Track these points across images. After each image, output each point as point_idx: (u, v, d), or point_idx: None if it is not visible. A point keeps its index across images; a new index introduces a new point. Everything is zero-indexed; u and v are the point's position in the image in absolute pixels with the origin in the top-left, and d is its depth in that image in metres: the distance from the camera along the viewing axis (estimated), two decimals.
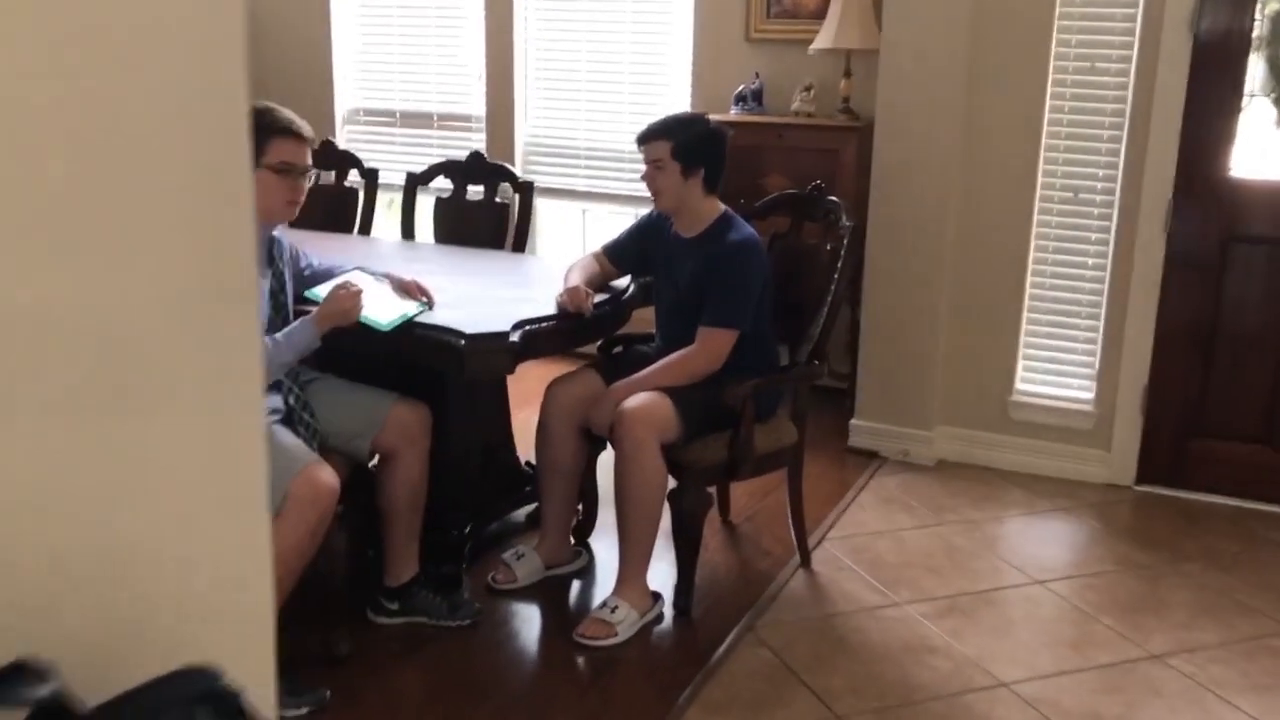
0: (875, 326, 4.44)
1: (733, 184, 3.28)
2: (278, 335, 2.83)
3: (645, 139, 3.22)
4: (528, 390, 4.06)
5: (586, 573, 3.48)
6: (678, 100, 5.25)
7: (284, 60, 6.05)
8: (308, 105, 5.99)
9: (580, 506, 3.55)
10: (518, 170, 5.47)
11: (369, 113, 5.99)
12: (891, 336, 4.40)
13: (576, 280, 3.28)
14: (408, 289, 3.14)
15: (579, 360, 3.68)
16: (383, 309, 3.02)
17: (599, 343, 3.54)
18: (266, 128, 2.81)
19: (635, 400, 3.07)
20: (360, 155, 5.91)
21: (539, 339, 3.07)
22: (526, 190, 4.18)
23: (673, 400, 3.09)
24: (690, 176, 3.18)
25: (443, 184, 4.32)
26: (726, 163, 3.27)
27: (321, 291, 2.97)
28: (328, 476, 2.69)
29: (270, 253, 2.93)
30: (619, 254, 3.45)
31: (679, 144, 3.17)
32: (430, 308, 3.11)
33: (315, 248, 3.91)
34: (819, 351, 3.37)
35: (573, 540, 3.52)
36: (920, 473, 4.34)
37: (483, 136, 5.67)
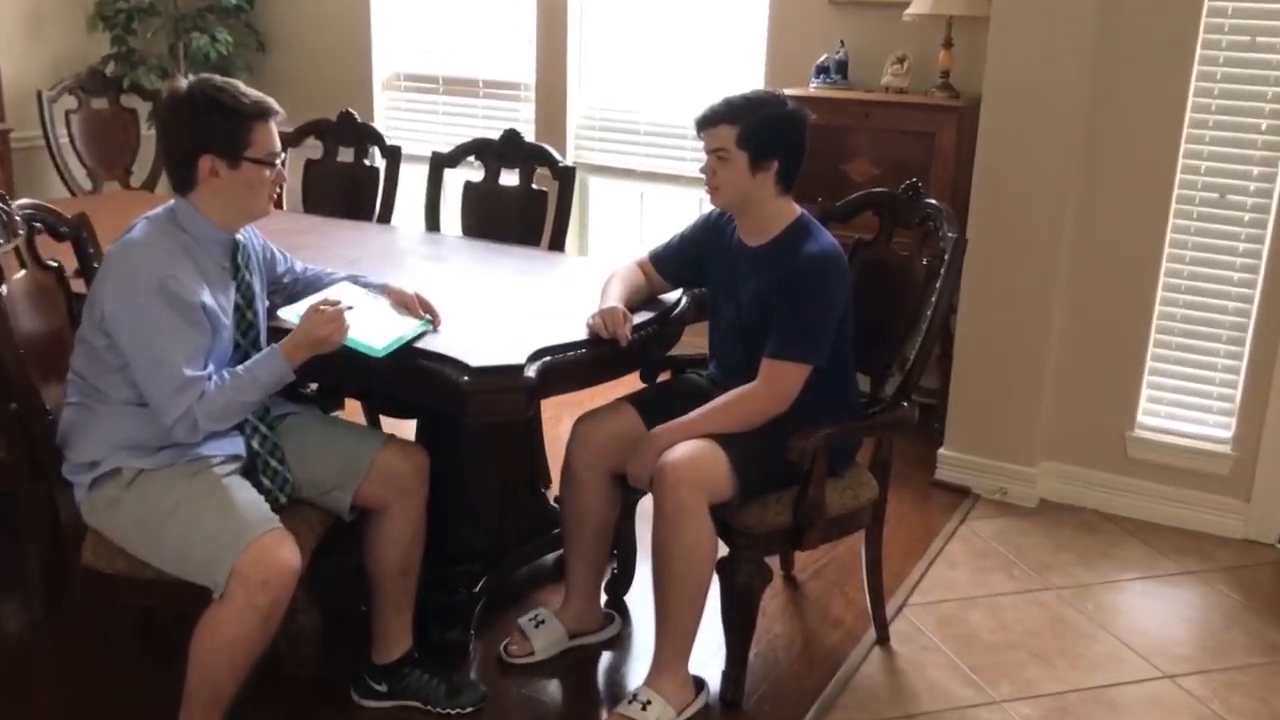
0: (972, 342, 3.80)
1: (808, 170, 2.66)
2: (239, 369, 2.29)
3: (706, 122, 2.62)
4: (563, 407, 3.50)
5: (619, 642, 2.92)
6: (751, 71, 4.62)
7: (317, 18, 5.52)
8: (342, 69, 5.49)
9: (615, 555, 3.00)
10: (569, 146, 4.92)
11: (410, 78, 5.43)
12: (991, 355, 3.76)
13: (615, 297, 2.69)
14: (407, 304, 2.58)
15: (617, 386, 3.09)
16: (375, 330, 2.46)
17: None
18: (242, 114, 2.26)
19: (680, 451, 2.48)
20: (399, 125, 5.43)
21: (562, 372, 2.49)
22: (567, 177, 3.59)
23: (726, 451, 2.50)
24: (760, 170, 2.58)
25: (474, 167, 3.75)
26: (806, 154, 2.66)
27: (298, 311, 2.42)
28: (286, 553, 2.15)
29: (235, 260, 2.39)
30: (669, 262, 2.86)
31: (747, 129, 2.56)
32: (434, 328, 2.56)
33: (323, 238, 3.38)
34: (909, 387, 2.75)
35: (604, 599, 2.96)
36: (1020, 516, 3.70)
37: (532, 107, 5.08)
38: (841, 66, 4.25)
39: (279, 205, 3.39)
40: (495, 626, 2.89)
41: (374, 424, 3.55)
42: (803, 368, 2.55)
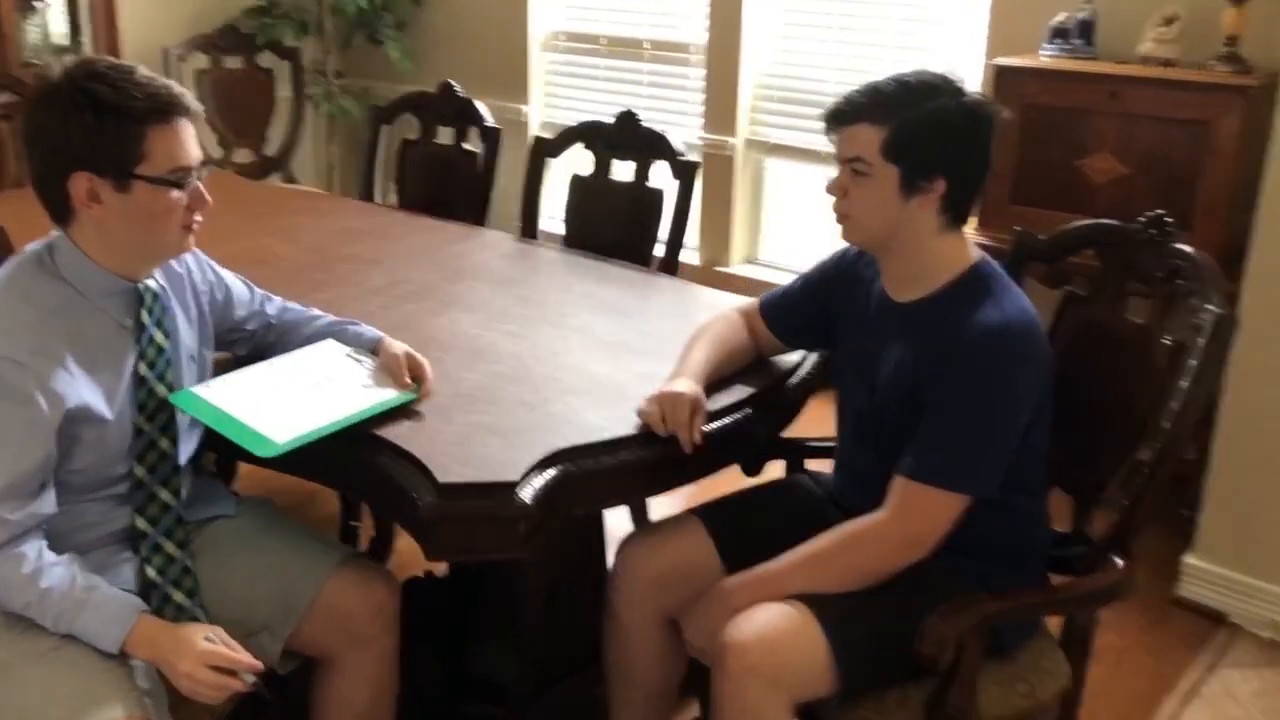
0: (1242, 422, 2.74)
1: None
2: (77, 581, 1.58)
3: (838, 118, 1.75)
4: None
5: None
6: (968, 33, 3.62)
7: None
8: (499, 26, 4.80)
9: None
10: (740, 120, 4.07)
11: (570, 37, 4.69)
12: (1266, 447, 2.70)
13: (693, 370, 1.88)
14: (391, 369, 1.86)
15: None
16: (306, 409, 1.75)
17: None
18: (128, 113, 1.58)
19: (757, 624, 1.65)
20: (556, 91, 4.72)
21: (590, 486, 1.71)
22: (687, 175, 2.77)
23: (825, 626, 1.65)
24: (916, 194, 1.70)
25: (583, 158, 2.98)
26: (988, 171, 1.75)
27: (212, 397, 1.73)
28: None
29: (139, 315, 1.72)
30: (784, 316, 2.01)
31: (899, 133, 1.68)
32: (419, 397, 1.83)
33: (377, 247, 2.70)
34: (1131, 530, 1.81)
35: None
36: None
37: (701, 71, 4.25)
38: (1085, 29, 3.20)
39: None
40: None
41: (351, 517, 2.78)
42: (955, 499, 1.67)
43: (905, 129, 1.69)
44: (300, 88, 4.83)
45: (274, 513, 1.90)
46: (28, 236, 1.65)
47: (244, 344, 1.96)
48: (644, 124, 2.82)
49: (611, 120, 2.87)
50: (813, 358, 2.12)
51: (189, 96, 1.63)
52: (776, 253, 4.36)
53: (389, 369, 1.85)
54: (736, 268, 4.30)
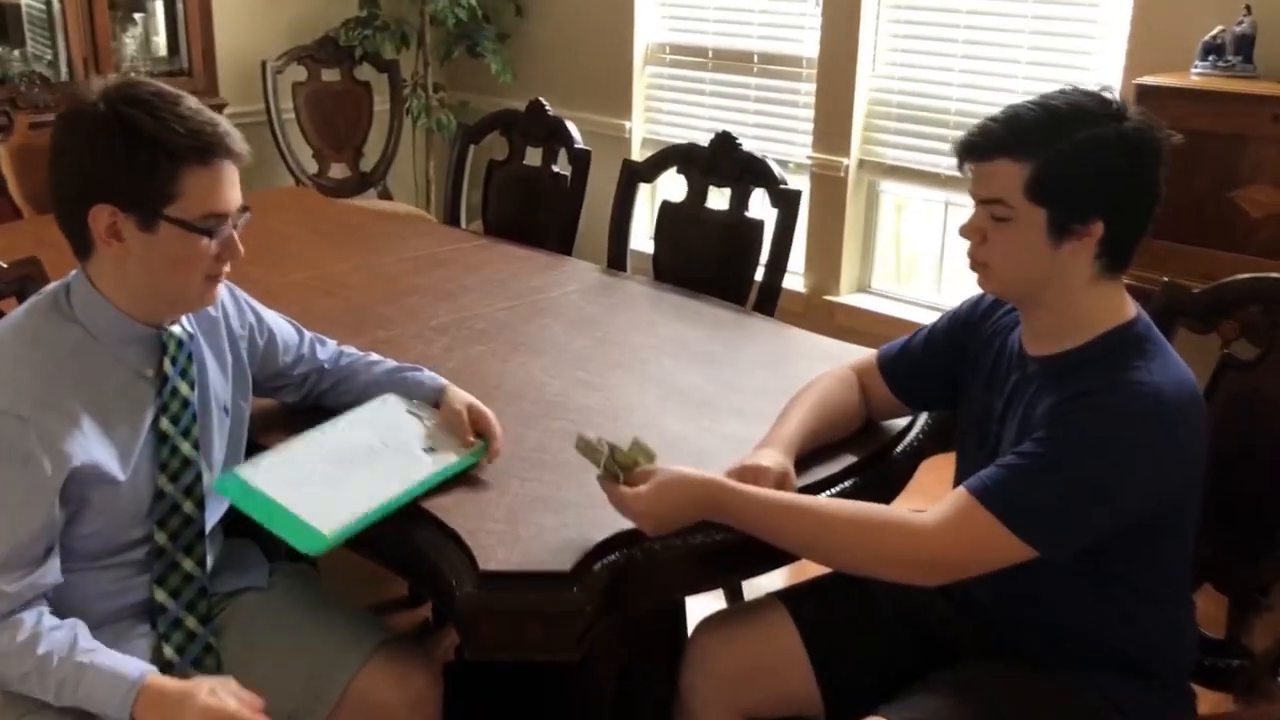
0: None
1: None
2: (80, 650, 1.40)
3: (974, 150, 1.50)
4: None
5: None
6: (1105, 48, 3.30)
7: None
8: (601, 39, 4.62)
9: None
10: (854, 138, 3.80)
11: (676, 49, 4.47)
12: None
13: (785, 441, 1.64)
14: (454, 425, 1.66)
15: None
16: (382, 473, 1.57)
17: None
18: (166, 146, 1.41)
19: None
20: (660, 106, 4.50)
21: (657, 574, 1.49)
22: (789, 205, 2.52)
23: None
24: (1068, 239, 1.45)
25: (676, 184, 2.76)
26: (1155, 209, 1.48)
27: (262, 483, 1.56)
28: None
29: (161, 365, 1.55)
30: (909, 372, 1.76)
31: (1047, 168, 1.43)
32: (488, 458, 1.65)
33: (450, 277, 2.52)
34: None
35: None
36: None
37: (812, 86, 3.99)
38: (1244, 44, 2.86)
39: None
40: None
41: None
42: (1009, 540, 1.40)
43: (1053, 165, 1.43)
44: (398, 101, 4.71)
45: (310, 583, 1.72)
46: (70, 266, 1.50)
47: (291, 391, 1.79)
48: (743, 147, 2.58)
49: (707, 143, 2.63)
50: (923, 419, 1.87)
51: (236, 137, 1.46)
52: (889, 281, 4.07)
53: (451, 425, 1.66)
54: (846, 297, 4.03)
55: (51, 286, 1.54)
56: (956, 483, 1.68)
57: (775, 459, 1.59)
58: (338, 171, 4.65)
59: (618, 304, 2.44)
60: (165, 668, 1.50)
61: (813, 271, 4.09)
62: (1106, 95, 1.47)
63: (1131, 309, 1.51)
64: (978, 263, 1.53)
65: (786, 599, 1.70)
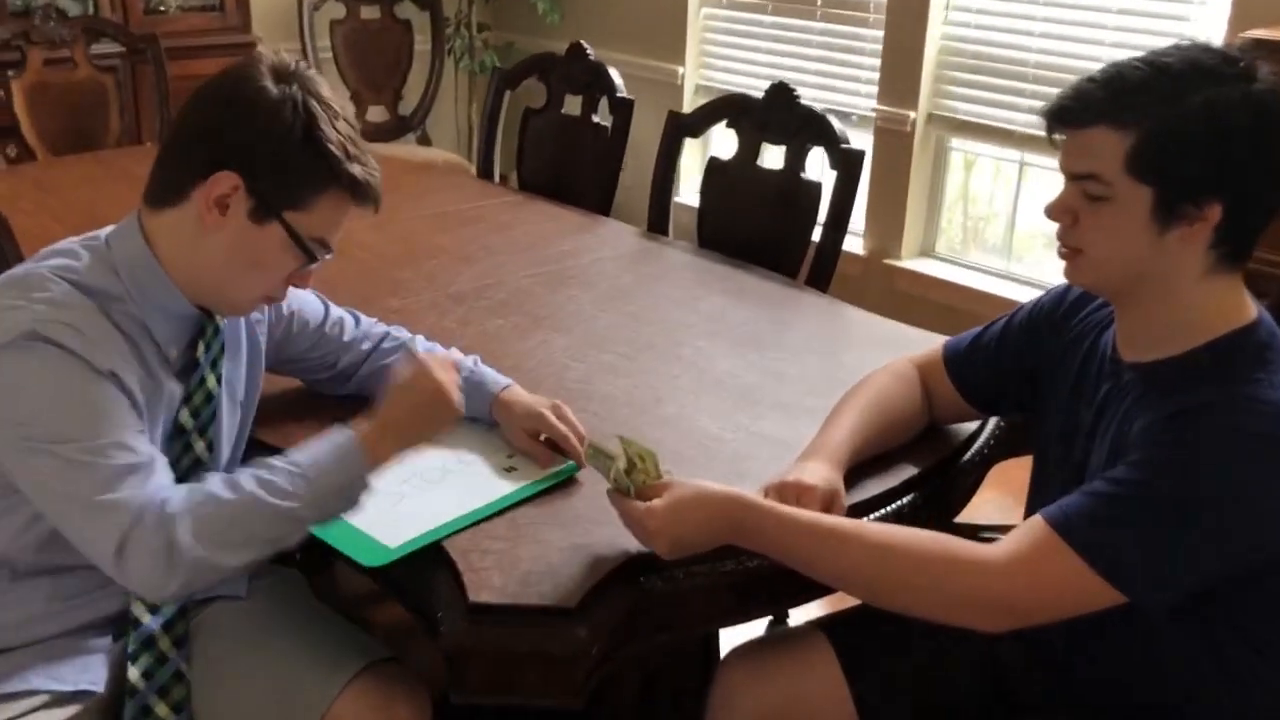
0: None
1: None
2: (270, 460, 1.27)
3: (1066, 116, 1.24)
4: None
5: None
6: (1209, 2, 2.99)
7: None
8: None
9: None
10: (923, 90, 3.51)
11: None
12: None
13: (832, 454, 1.41)
14: (522, 444, 1.50)
15: None
16: (457, 488, 1.41)
17: None
18: (332, 162, 1.28)
19: None
20: (717, 50, 4.21)
21: (676, 610, 1.28)
22: (850, 166, 2.26)
23: None
24: (1176, 223, 1.20)
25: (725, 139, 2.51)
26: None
27: None
28: None
29: (192, 348, 1.38)
30: (978, 371, 1.52)
31: (1154, 140, 1.18)
32: (569, 474, 1.47)
33: (477, 236, 2.30)
34: None
35: None
36: None
37: (879, 34, 3.70)
38: None
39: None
40: None
41: None
42: (1090, 580, 1.17)
43: (1162, 134, 1.18)
44: (439, 41, 4.48)
45: (296, 593, 1.52)
46: (108, 207, 1.32)
47: (307, 374, 1.62)
48: (801, 101, 2.32)
49: (761, 94, 2.38)
50: (993, 424, 1.63)
51: (378, 185, 1.33)
52: (956, 246, 3.79)
53: (522, 445, 1.48)
54: (908, 261, 3.76)
55: (91, 238, 1.34)
56: (1032, 502, 1.46)
57: (822, 474, 1.36)
58: (376, 115, 4.45)
59: (655, 274, 2.20)
60: (127, 693, 1.33)
61: (873, 233, 3.82)
62: (1230, 51, 1.22)
63: (1252, 310, 1.26)
64: (1068, 249, 1.29)
65: (828, 627, 1.48)
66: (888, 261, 3.77)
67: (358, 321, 1.63)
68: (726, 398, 1.68)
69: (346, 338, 1.60)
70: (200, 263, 1.31)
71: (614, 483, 1.28)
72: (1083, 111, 1.22)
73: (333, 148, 1.27)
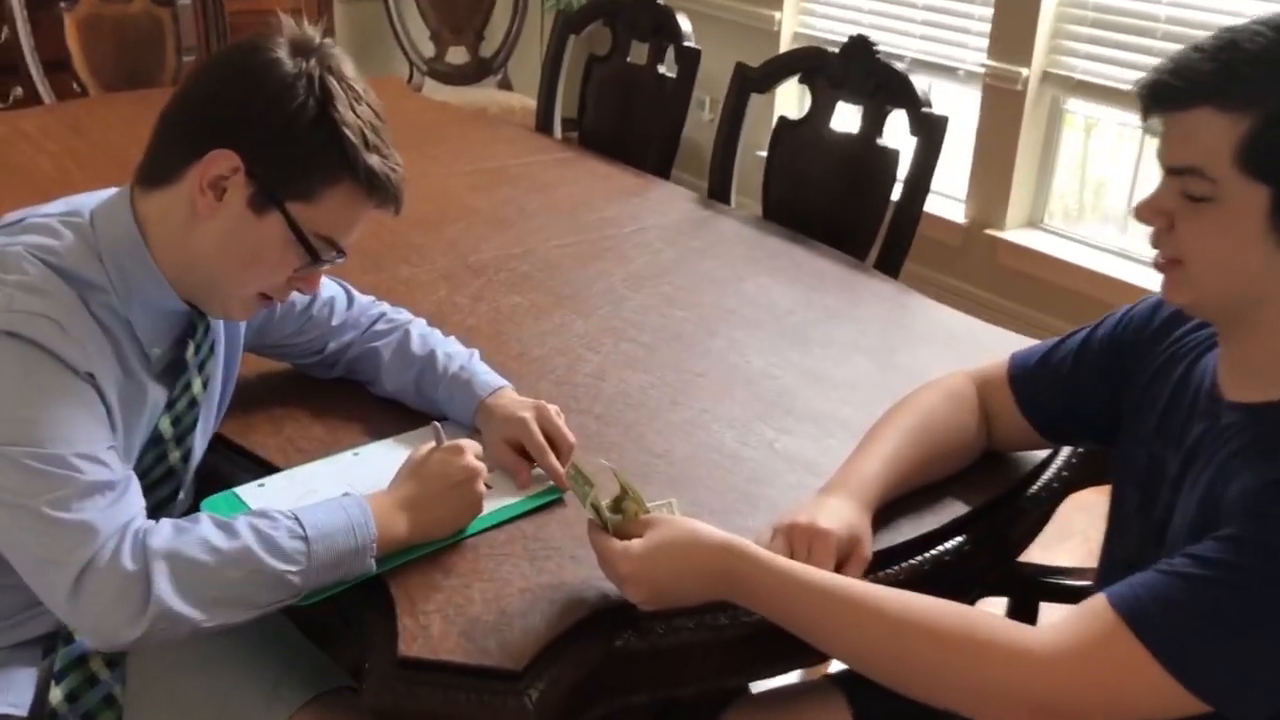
0: None
1: None
2: (270, 526, 1.07)
3: (1160, 95, 0.99)
4: None
5: None
6: None
7: None
8: None
9: None
10: (1037, 47, 3.18)
11: None
12: None
13: (857, 490, 1.18)
14: (504, 460, 1.27)
15: None
16: None
17: None
18: (345, 148, 1.10)
19: None
20: (813, 5, 3.89)
21: (655, 671, 1.08)
22: (932, 133, 1.98)
23: None
24: None
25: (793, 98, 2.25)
26: None
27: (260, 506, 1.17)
28: None
29: (180, 347, 1.21)
30: (1047, 392, 1.27)
31: (1270, 126, 0.92)
32: (553, 498, 1.26)
33: (520, 204, 2.09)
34: None
35: None
36: None
37: None
38: None
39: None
40: None
41: None
42: (1163, 678, 0.93)
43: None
44: None
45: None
46: (138, 154, 1.14)
47: (290, 358, 1.44)
48: (881, 57, 2.05)
49: (838, 49, 2.12)
50: (1064, 454, 1.38)
51: (400, 184, 1.15)
52: (1068, 219, 3.46)
53: (501, 458, 1.27)
54: (1012, 232, 3.44)
55: (70, 208, 1.16)
56: (1106, 554, 1.21)
57: (843, 516, 1.13)
58: (456, 56, 4.26)
59: (700, 248, 1.97)
60: (47, 717, 1.18)
61: (976, 200, 3.51)
62: None
63: None
64: (1167, 260, 1.03)
65: (845, 683, 1.26)
66: (989, 231, 3.45)
67: (351, 301, 1.44)
68: (753, 403, 1.45)
69: (336, 321, 1.41)
70: (191, 253, 1.13)
71: (589, 508, 1.08)
72: (1185, 90, 0.97)
73: (349, 132, 1.09)
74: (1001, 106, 3.37)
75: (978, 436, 1.30)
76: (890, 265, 1.98)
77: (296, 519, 1.07)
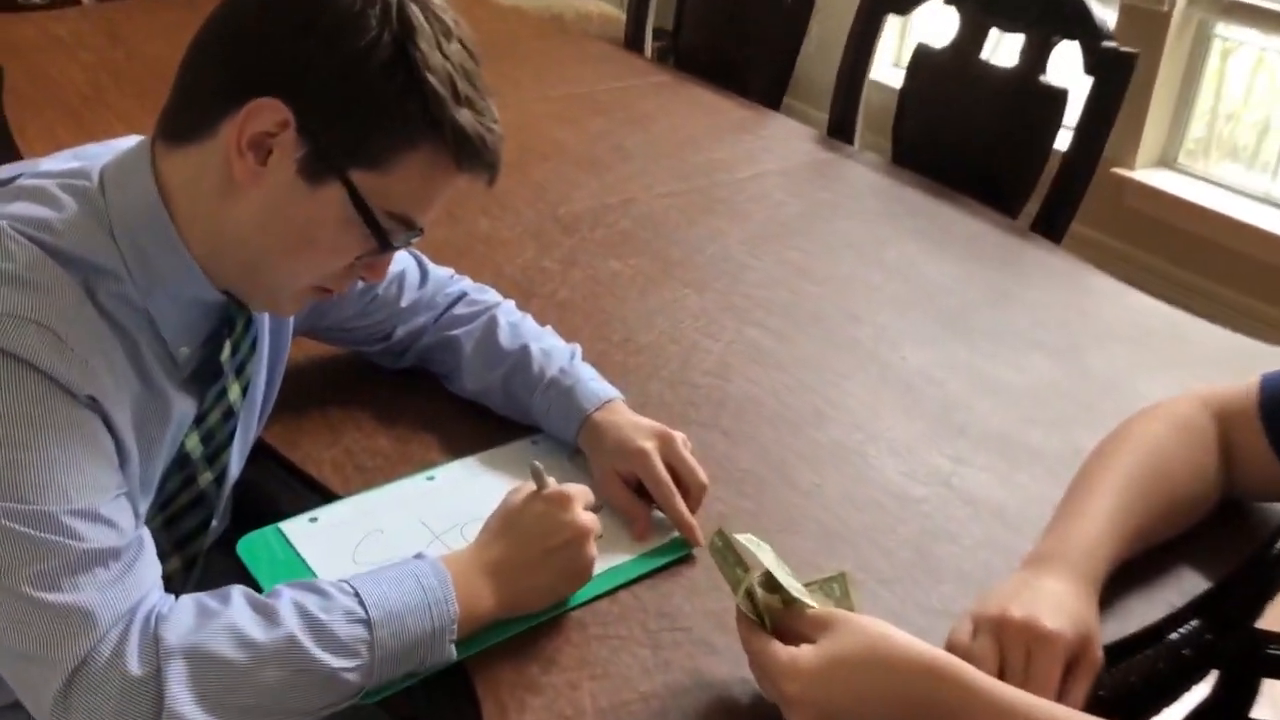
0: None
1: None
2: (320, 606, 0.79)
3: None
4: None
5: None
6: None
7: None
8: None
9: None
10: None
11: None
12: None
13: (1085, 567, 0.90)
14: (619, 501, 1.01)
15: None
16: None
17: None
18: (426, 97, 0.81)
19: None
20: None
21: None
22: (1114, 72, 1.67)
23: None
24: None
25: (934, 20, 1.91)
26: None
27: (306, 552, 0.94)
28: None
29: (215, 346, 0.92)
30: None
31: None
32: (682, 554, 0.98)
33: (611, 141, 1.80)
34: None
35: None
36: None
37: None
38: None
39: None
40: None
41: None
42: None
43: None
44: None
45: None
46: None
47: (351, 345, 1.18)
48: None
49: None
50: None
51: (498, 146, 0.87)
52: (1210, 161, 3.09)
53: (617, 499, 1.00)
54: (1142, 172, 3.08)
55: (51, 178, 0.87)
56: None
57: (1070, 609, 0.86)
58: None
59: (830, 200, 1.67)
60: None
61: None
62: None
63: None
64: None
65: None
66: (1117, 170, 3.10)
67: (424, 276, 1.17)
68: (917, 418, 1.17)
69: (406, 301, 1.14)
70: (225, 232, 0.86)
71: (743, 598, 0.81)
72: None
73: (433, 79, 0.82)
74: (1140, 30, 2.99)
75: (1217, 484, 1.02)
76: (1053, 230, 1.68)
77: (357, 594, 0.81)
